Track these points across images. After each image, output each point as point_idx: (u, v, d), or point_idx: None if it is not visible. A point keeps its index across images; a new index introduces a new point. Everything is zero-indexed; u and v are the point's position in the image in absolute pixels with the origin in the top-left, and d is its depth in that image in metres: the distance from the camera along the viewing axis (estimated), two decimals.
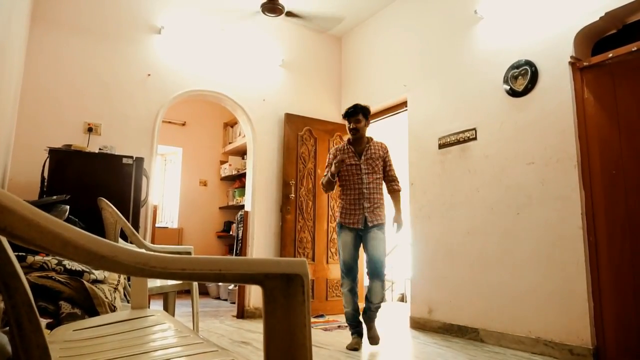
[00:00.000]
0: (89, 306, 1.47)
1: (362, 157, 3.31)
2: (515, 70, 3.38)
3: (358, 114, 3.31)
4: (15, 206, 0.48)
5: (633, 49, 2.78)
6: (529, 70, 3.27)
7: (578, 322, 2.84)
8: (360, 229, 3.24)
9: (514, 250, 3.26)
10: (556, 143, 3.08)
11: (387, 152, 3.40)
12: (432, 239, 3.90)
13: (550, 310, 2.99)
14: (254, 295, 4.53)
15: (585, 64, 3.03)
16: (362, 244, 3.30)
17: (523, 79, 3.32)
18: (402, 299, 5.96)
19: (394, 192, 3.37)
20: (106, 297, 1.51)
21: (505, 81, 3.44)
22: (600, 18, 2.92)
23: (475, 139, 3.64)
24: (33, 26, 3.73)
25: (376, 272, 3.17)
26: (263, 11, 4.34)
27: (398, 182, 3.40)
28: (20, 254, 1.54)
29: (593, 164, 2.95)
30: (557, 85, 3.11)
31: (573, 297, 2.88)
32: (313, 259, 4.72)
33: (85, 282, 1.47)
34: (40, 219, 0.49)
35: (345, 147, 3.38)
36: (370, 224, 3.21)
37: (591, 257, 2.87)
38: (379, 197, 3.29)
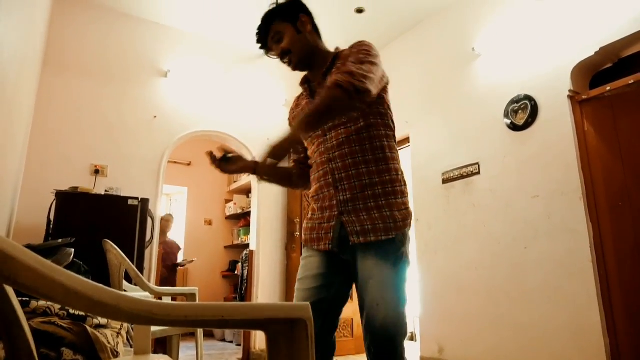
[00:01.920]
0: (91, 352, 1.44)
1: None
2: (515, 105, 3.42)
3: (271, 23, 1.63)
4: (19, 255, 0.48)
5: (630, 82, 2.83)
6: (529, 105, 3.32)
7: (594, 359, 2.75)
8: (330, 251, 1.48)
9: (523, 284, 3.20)
10: (560, 176, 3.08)
11: (356, 47, 1.49)
12: (439, 274, 3.84)
13: (565, 347, 2.90)
14: (260, 337, 4.43)
15: (584, 97, 3.07)
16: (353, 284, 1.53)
17: (523, 113, 3.36)
18: (412, 337, 5.80)
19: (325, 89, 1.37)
20: (108, 343, 1.48)
21: (506, 115, 3.48)
22: (596, 53, 2.98)
23: (478, 173, 3.65)
24: (44, 70, 3.85)
25: (384, 353, 1.39)
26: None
27: (349, 74, 1.34)
28: (24, 299, 1.53)
29: (598, 196, 2.93)
30: (558, 119, 3.15)
31: (587, 333, 2.80)
32: None
33: (87, 327, 1.45)
34: (44, 268, 0.49)
35: (303, 92, 1.74)
36: (355, 240, 1.42)
37: (603, 291, 2.80)
38: (370, 176, 1.47)
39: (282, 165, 1.56)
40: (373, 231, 1.41)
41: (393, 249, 1.43)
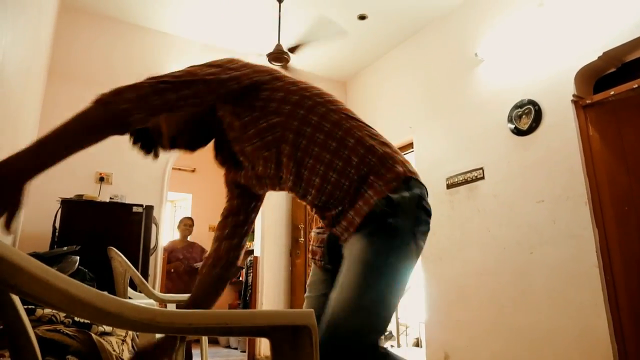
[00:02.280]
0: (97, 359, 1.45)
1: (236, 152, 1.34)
2: (519, 110, 3.42)
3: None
4: (24, 264, 0.49)
5: (634, 86, 2.82)
6: (533, 109, 3.31)
7: None
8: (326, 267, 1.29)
9: (529, 290, 3.18)
10: (565, 181, 3.07)
11: None
12: (444, 280, 3.83)
13: (572, 353, 2.87)
14: (265, 343, 4.42)
15: (587, 101, 3.06)
16: None
17: (527, 117, 3.35)
18: (417, 343, 5.77)
19: None
20: (114, 350, 1.48)
21: (510, 120, 3.48)
22: (599, 57, 2.98)
23: (483, 178, 3.64)
24: (49, 80, 3.88)
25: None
26: (269, 60, 4.49)
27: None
28: (29, 307, 1.53)
29: (604, 200, 2.91)
30: (562, 124, 3.14)
31: (594, 338, 2.77)
32: None
33: (92, 335, 1.46)
34: (49, 277, 0.49)
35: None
36: (346, 236, 1.11)
37: (610, 297, 2.78)
38: (344, 174, 1.12)
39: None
40: (357, 214, 1.08)
41: (373, 219, 1.05)
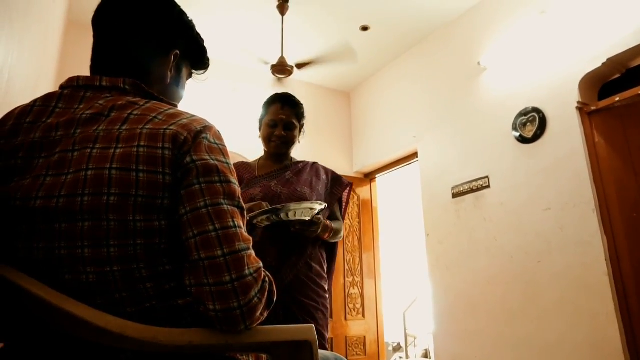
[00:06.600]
0: None
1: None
2: (523, 117, 3.41)
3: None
4: (26, 285, 0.49)
5: (639, 92, 2.81)
6: (537, 117, 3.30)
7: None
8: None
9: (538, 299, 3.14)
10: (571, 188, 3.05)
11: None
12: (451, 290, 3.79)
13: None
14: None
15: (592, 108, 3.05)
16: None
17: (532, 125, 3.34)
18: (426, 355, 5.72)
19: None
20: None
21: (514, 128, 3.47)
22: (603, 64, 2.97)
23: (488, 186, 3.62)
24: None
25: None
26: (273, 72, 4.53)
27: None
28: None
29: (612, 207, 2.89)
30: (567, 131, 3.13)
31: (606, 348, 2.73)
32: (331, 316, 4.58)
33: None
34: (52, 298, 0.50)
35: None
36: None
37: (621, 306, 2.74)
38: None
39: None
40: None
41: None
